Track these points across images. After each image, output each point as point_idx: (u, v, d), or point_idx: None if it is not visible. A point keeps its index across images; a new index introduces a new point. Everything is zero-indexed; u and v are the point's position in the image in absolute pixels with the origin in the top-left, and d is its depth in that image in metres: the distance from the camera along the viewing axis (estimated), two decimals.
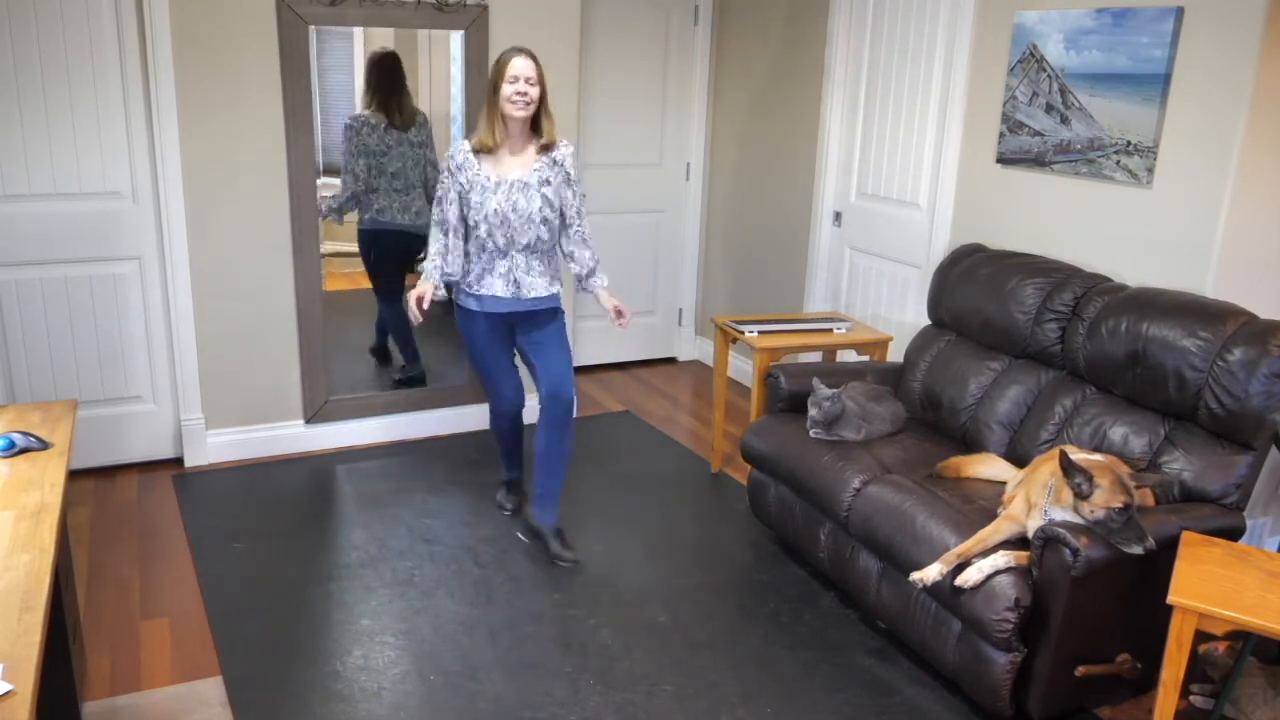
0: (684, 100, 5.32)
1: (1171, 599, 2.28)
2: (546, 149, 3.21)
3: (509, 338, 3.40)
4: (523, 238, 3.20)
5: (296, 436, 4.22)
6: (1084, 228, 3.39)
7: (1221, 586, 2.31)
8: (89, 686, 2.68)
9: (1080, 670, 2.56)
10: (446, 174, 3.23)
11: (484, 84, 4.11)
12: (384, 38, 4.14)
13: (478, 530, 3.59)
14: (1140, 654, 2.65)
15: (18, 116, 3.52)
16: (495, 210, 3.16)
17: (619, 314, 3.32)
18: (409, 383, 4.45)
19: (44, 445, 2.35)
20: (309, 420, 4.22)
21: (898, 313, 4.25)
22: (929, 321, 3.74)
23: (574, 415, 3.40)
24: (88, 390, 3.86)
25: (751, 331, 3.85)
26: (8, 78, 3.47)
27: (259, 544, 3.44)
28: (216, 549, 3.40)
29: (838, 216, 4.54)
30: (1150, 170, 3.15)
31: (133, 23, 3.60)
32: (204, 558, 3.35)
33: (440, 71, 4.31)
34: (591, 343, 5.43)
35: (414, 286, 3.23)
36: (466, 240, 3.28)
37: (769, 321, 4.00)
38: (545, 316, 3.36)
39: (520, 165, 3.19)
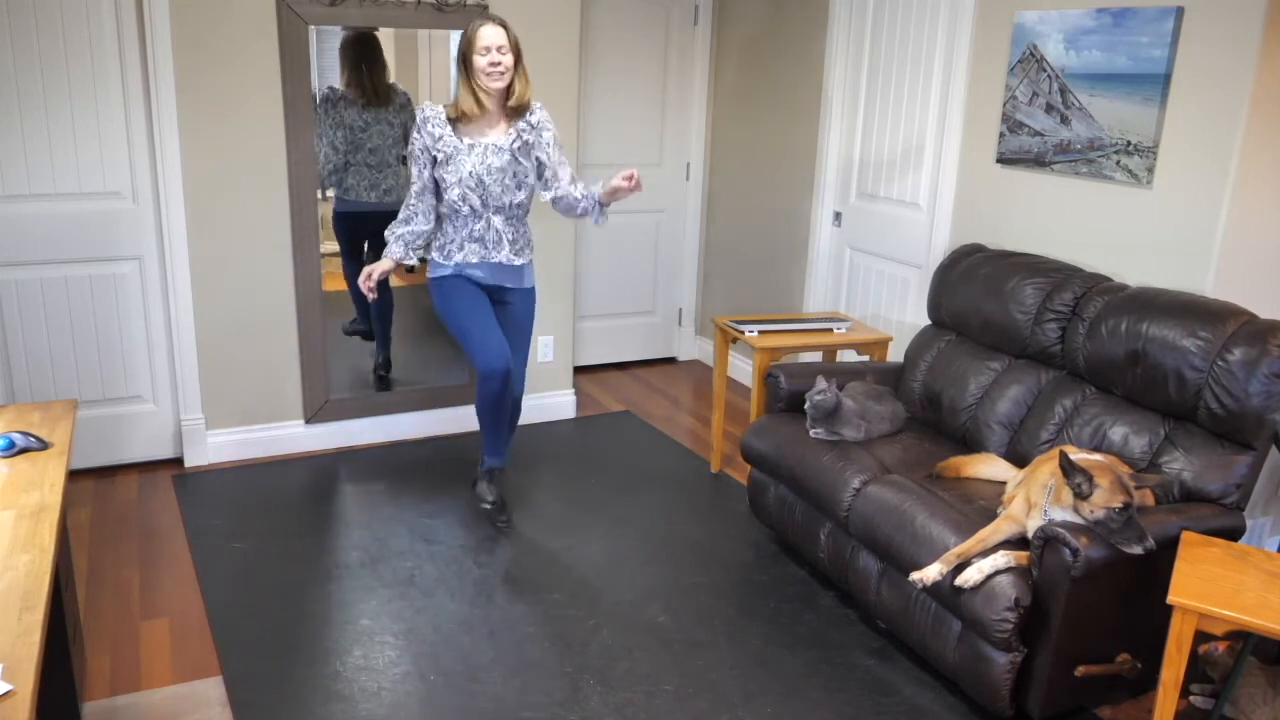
0: (684, 100, 5.32)
1: (1171, 599, 2.28)
2: (518, 111, 3.20)
3: (489, 300, 3.39)
4: (497, 200, 3.22)
5: (296, 436, 4.22)
6: (1084, 228, 3.39)
7: (1221, 586, 2.31)
8: (89, 686, 2.68)
9: (1080, 670, 2.56)
10: (416, 132, 3.25)
11: None
12: (384, 37, 4.14)
13: (477, 530, 3.59)
14: (1140, 654, 2.65)
15: (18, 116, 3.52)
16: (470, 173, 3.19)
17: (629, 178, 3.14)
18: (384, 368, 4.48)
19: (44, 445, 2.35)
20: (309, 420, 4.22)
21: (898, 313, 4.25)
22: (929, 321, 3.73)
23: (520, 408, 3.55)
24: (88, 390, 3.86)
25: (751, 331, 3.85)
26: (8, 78, 3.47)
27: (259, 544, 3.44)
28: (216, 549, 3.40)
29: (838, 216, 4.54)
30: (1150, 170, 3.15)
31: (133, 23, 3.60)
32: (204, 558, 3.35)
33: (440, 71, 4.31)
34: (591, 343, 5.43)
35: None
36: (439, 202, 3.31)
37: (769, 321, 4.00)
38: (516, 297, 3.41)
39: (497, 130, 3.20)
